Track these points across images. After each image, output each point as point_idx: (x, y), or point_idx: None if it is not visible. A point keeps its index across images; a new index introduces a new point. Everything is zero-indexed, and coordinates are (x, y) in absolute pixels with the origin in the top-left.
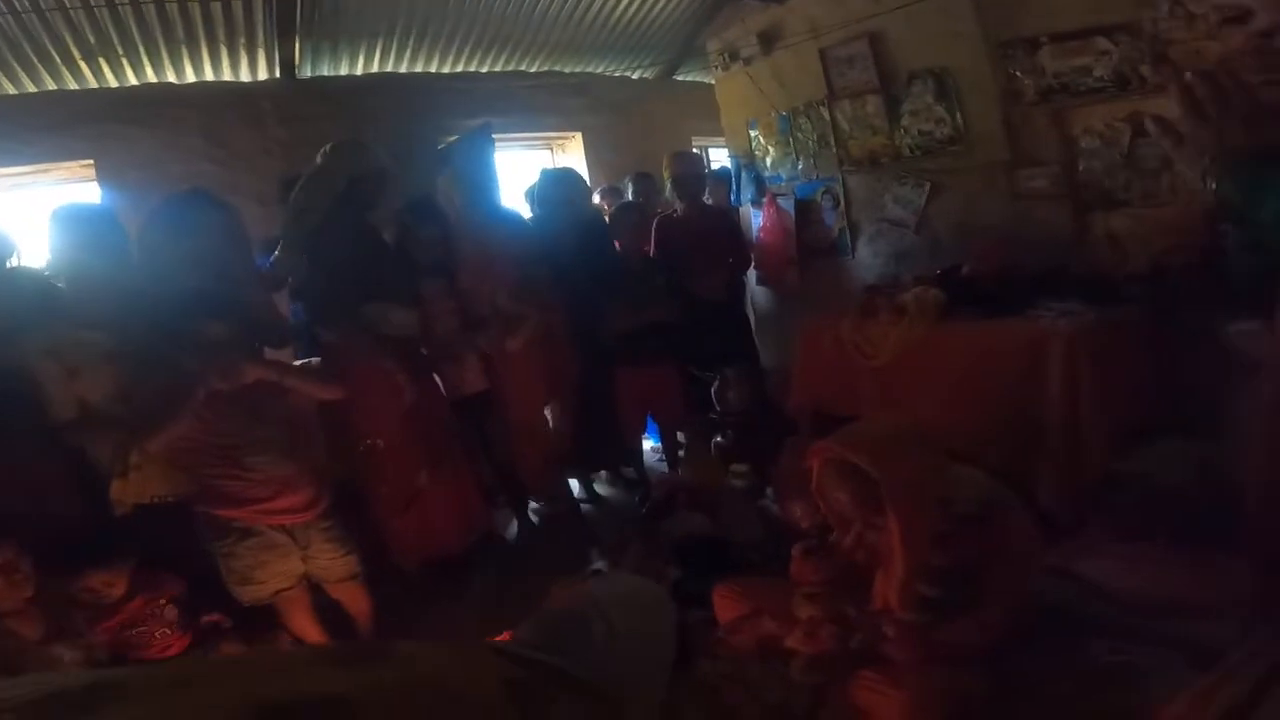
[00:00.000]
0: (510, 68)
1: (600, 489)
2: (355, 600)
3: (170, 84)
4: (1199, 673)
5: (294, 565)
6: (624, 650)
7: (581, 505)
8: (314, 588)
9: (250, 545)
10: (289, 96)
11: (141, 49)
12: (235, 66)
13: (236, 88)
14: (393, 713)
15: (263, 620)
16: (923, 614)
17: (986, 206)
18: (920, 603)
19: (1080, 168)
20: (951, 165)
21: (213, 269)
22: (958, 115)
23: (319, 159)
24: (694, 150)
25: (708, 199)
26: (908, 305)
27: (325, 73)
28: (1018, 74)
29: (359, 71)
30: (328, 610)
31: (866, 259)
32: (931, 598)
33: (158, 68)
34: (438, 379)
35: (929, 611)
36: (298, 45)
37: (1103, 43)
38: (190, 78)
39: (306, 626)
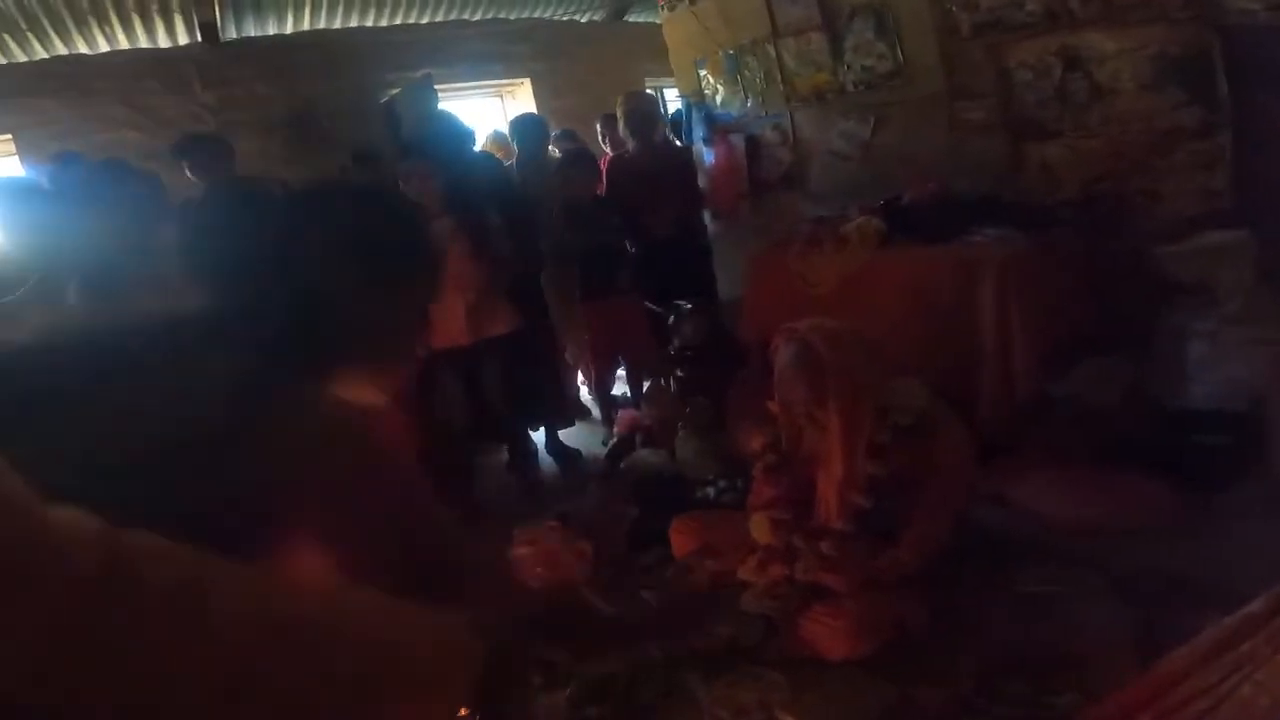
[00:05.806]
0: (452, 17)
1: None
2: None
3: (82, 55)
4: (1123, 602)
5: None
6: None
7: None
8: None
9: None
10: (213, 60)
11: (46, 23)
12: (150, 33)
13: (154, 54)
14: None
15: None
16: (857, 525)
17: (926, 137)
18: (854, 513)
19: (1014, 100)
20: (893, 99)
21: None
22: (898, 50)
23: None
24: (648, 90)
25: (668, 137)
26: (850, 235)
27: (251, 33)
28: (953, 9)
29: (288, 30)
30: None
31: (815, 192)
32: (865, 508)
33: (66, 40)
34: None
35: (862, 523)
36: (216, 7)
37: None
38: (103, 47)
39: None
